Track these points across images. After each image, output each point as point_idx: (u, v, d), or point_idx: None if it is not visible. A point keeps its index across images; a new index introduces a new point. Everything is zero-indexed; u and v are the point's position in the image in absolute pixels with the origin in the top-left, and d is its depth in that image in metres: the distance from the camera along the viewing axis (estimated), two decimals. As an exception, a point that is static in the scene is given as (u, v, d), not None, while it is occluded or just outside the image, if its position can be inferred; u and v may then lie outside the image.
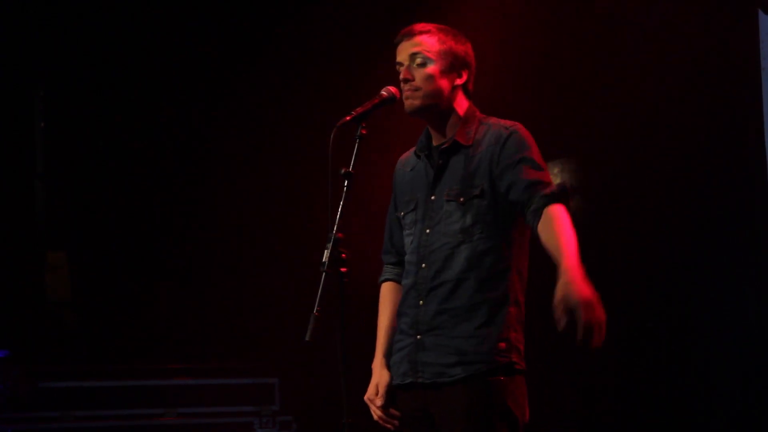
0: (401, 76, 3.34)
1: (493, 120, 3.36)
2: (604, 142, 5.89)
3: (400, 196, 3.46)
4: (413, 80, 3.32)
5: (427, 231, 3.30)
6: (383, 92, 3.32)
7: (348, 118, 3.24)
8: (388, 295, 3.51)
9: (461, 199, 3.26)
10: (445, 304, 3.22)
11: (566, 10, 5.93)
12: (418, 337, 3.25)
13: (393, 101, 3.33)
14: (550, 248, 3.07)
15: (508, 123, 3.33)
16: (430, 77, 3.31)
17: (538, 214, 3.13)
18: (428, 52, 3.32)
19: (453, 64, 3.34)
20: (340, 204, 3.13)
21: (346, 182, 3.15)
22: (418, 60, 3.32)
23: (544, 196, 3.14)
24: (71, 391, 5.74)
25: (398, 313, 3.37)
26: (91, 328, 6.69)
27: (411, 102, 3.32)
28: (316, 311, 3.00)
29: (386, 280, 3.53)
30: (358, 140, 3.23)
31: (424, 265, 3.28)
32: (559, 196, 3.14)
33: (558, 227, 3.08)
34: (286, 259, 6.58)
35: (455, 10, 5.72)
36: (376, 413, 3.38)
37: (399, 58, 3.37)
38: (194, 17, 6.90)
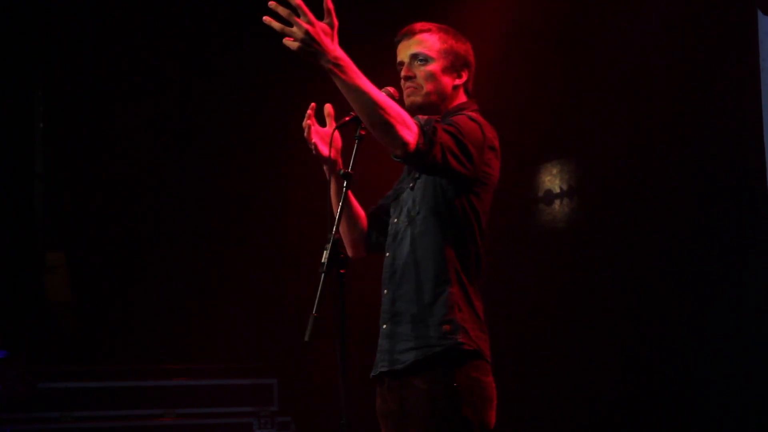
0: (402, 74, 3.34)
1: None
2: (603, 142, 5.89)
3: (398, 185, 3.49)
4: (415, 78, 3.31)
5: (395, 220, 3.35)
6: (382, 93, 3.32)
7: (347, 118, 3.25)
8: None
9: (411, 185, 3.29)
10: (399, 290, 3.24)
11: (566, 11, 5.92)
12: (384, 326, 3.27)
13: (392, 102, 3.32)
14: None
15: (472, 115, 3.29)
16: (431, 75, 3.32)
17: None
18: (429, 50, 3.32)
19: (454, 64, 3.34)
20: (339, 204, 3.13)
21: (345, 183, 3.15)
22: (420, 58, 3.32)
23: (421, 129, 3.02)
24: (71, 392, 5.74)
25: None
26: (90, 329, 6.69)
27: (413, 99, 3.33)
28: (315, 312, 2.99)
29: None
30: (357, 141, 3.23)
31: (388, 254, 3.32)
32: (426, 129, 3.01)
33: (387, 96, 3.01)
34: (286, 259, 6.58)
35: (456, 10, 5.72)
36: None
37: (400, 57, 3.36)
38: (193, 17, 6.90)
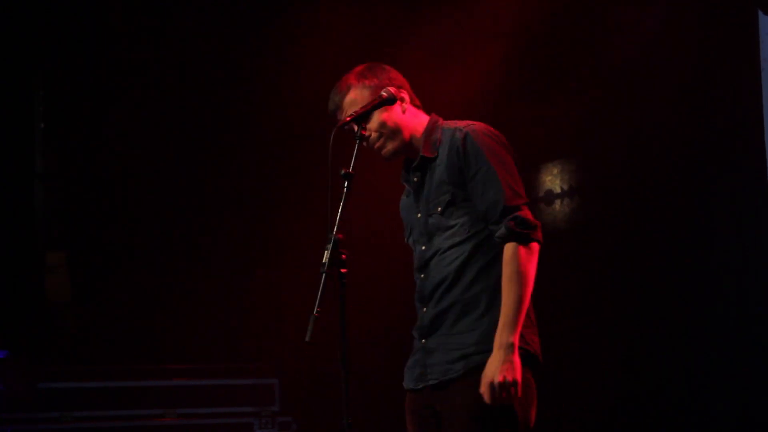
0: (361, 142, 3.27)
1: (450, 123, 3.34)
2: (603, 142, 5.90)
3: (404, 224, 3.48)
4: (370, 135, 3.31)
5: (423, 248, 3.32)
6: (383, 93, 3.31)
7: (348, 118, 3.24)
8: None
9: (439, 209, 3.27)
10: (441, 305, 3.23)
11: (567, 11, 5.92)
12: (423, 341, 3.27)
13: (393, 102, 3.32)
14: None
15: (461, 124, 3.30)
16: (382, 124, 3.32)
17: (499, 248, 3.16)
18: (358, 105, 3.31)
19: (388, 98, 3.32)
20: (340, 205, 3.13)
21: (346, 183, 3.15)
22: (356, 119, 3.27)
23: (505, 226, 3.14)
24: (71, 392, 5.74)
25: None
26: (90, 329, 6.69)
27: (386, 151, 3.34)
28: (316, 312, 2.99)
29: None
30: (358, 141, 3.23)
31: (423, 275, 3.31)
32: (518, 229, 3.12)
33: (506, 277, 3.12)
34: (286, 259, 6.58)
35: (457, 11, 5.72)
36: None
37: (347, 127, 3.30)
38: (194, 17, 6.89)
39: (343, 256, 3.06)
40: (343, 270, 3.06)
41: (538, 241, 3.16)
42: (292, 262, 6.39)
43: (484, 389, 3.05)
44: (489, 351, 3.11)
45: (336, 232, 3.07)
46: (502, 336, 3.07)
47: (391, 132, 3.33)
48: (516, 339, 3.07)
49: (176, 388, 5.89)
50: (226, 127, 6.96)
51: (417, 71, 5.76)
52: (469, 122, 3.30)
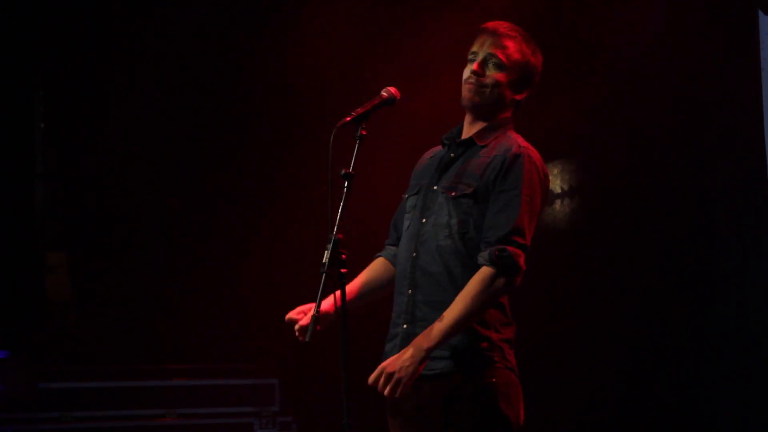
0: (473, 66, 3.31)
1: (516, 136, 3.34)
2: (603, 142, 5.90)
3: (412, 181, 3.46)
4: (483, 77, 3.31)
5: (423, 220, 3.30)
6: (383, 93, 3.30)
7: (348, 118, 3.23)
8: (372, 265, 3.52)
9: (452, 194, 3.26)
10: (432, 296, 3.22)
11: (567, 11, 5.93)
12: (405, 326, 3.25)
13: (393, 102, 3.31)
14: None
15: (524, 143, 3.30)
16: (498, 83, 3.31)
17: (478, 265, 3.15)
18: (506, 58, 3.31)
19: (521, 80, 3.34)
20: (340, 205, 3.12)
21: (346, 183, 3.14)
22: (494, 61, 3.31)
23: (490, 252, 3.12)
24: (71, 392, 5.74)
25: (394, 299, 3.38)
26: (91, 329, 6.69)
27: (472, 96, 3.31)
28: (316, 312, 2.99)
29: (379, 255, 3.53)
30: (358, 141, 3.22)
31: (415, 254, 3.28)
32: (500, 261, 3.11)
33: (464, 292, 3.11)
34: (287, 259, 6.58)
35: (457, 11, 5.72)
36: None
37: (476, 48, 3.34)
38: (194, 16, 6.89)
39: (343, 256, 3.04)
40: (343, 270, 3.05)
41: (510, 286, 3.13)
42: (292, 262, 6.39)
43: (375, 371, 3.08)
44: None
45: (336, 232, 3.06)
46: (423, 339, 3.07)
47: (494, 94, 3.31)
48: (432, 349, 3.06)
49: (176, 388, 5.89)
50: (226, 126, 6.96)
51: (417, 71, 5.78)
52: (531, 147, 3.30)
